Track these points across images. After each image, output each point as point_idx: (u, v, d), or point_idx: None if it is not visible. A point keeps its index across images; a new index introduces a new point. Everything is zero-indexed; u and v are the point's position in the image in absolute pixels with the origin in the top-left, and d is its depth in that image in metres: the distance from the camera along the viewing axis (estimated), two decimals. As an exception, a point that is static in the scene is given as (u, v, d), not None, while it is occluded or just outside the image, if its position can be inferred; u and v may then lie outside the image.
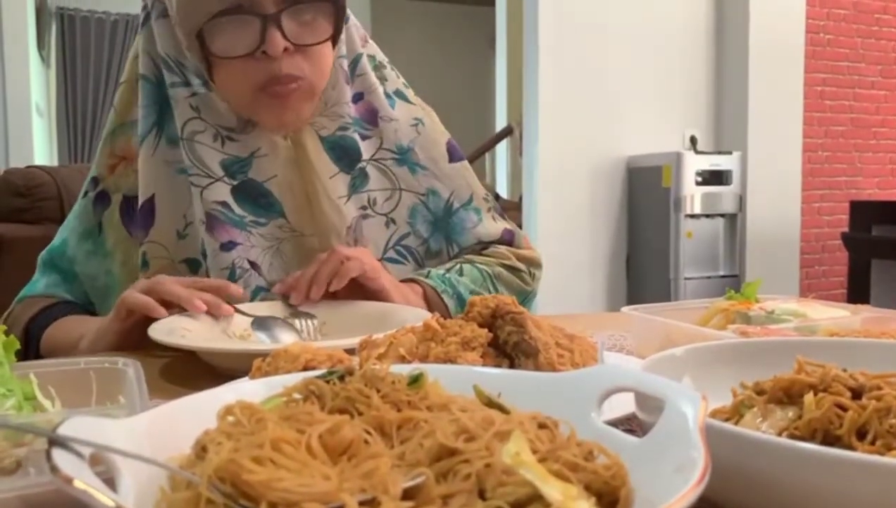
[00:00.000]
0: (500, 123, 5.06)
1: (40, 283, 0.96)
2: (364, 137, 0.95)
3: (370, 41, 0.99)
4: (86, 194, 0.96)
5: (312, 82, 0.87)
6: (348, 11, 0.94)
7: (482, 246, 1.02)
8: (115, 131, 0.94)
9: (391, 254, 0.96)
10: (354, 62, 0.95)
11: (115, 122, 0.95)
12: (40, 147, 4.32)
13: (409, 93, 1.02)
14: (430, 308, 0.91)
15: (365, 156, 0.94)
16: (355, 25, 0.97)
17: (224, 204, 0.88)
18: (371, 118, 0.96)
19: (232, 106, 0.88)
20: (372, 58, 0.98)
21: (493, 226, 1.03)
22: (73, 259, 0.95)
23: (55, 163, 5.33)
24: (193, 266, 0.90)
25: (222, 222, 0.88)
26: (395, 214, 0.96)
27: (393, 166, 0.97)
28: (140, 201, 0.90)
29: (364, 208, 0.94)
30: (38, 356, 0.86)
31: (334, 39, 0.89)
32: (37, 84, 4.21)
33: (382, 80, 0.99)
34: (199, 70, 0.86)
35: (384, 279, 0.88)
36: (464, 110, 6.92)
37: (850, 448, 0.37)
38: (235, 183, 0.89)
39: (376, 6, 6.81)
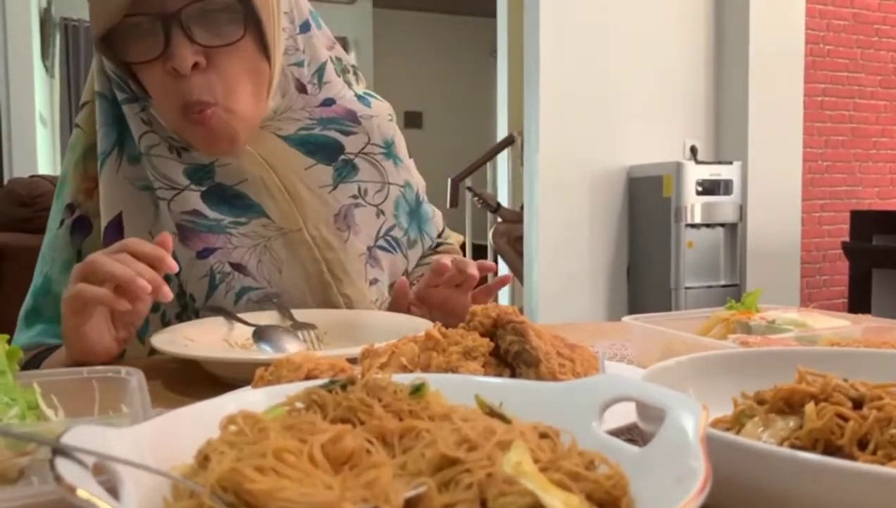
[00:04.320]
0: (502, 132, 5.07)
1: (21, 339, 0.89)
2: (348, 133, 0.95)
3: (337, 45, 0.99)
4: (61, 223, 0.90)
5: (228, 106, 0.82)
6: (314, 18, 0.93)
7: (437, 243, 1.09)
8: (87, 154, 0.90)
9: (381, 243, 0.98)
10: (320, 70, 0.93)
11: (85, 144, 0.91)
12: (44, 157, 4.33)
13: (374, 94, 1.03)
14: None
15: (353, 149, 0.95)
16: (322, 33, 0.95)
17: (194, 212, 0.87)
18: (351, 117, 0.96)
19: (166, 124, 0.87)
20: (339, 61, 0.98)
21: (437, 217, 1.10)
22: (59, 296, 0.84)
23: (58, 172, 5.33)
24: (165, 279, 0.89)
25: (195, 231, 0.87)
26: (384, 206, 0.97)
27: (382, 160, 0.98)
28: (105, 221, 0.87)
29: (355, 196, 0.94)
30: None
31: (265, 46, 0.84)
32: (41, 94, 4.23)
33: (349, 84, 0.99)
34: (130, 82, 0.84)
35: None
36: (465, 120, 6.94)
37: (852, 458, 0.37)
38: (204, 189, 0.88)
39: (378, 17, 6.84)
